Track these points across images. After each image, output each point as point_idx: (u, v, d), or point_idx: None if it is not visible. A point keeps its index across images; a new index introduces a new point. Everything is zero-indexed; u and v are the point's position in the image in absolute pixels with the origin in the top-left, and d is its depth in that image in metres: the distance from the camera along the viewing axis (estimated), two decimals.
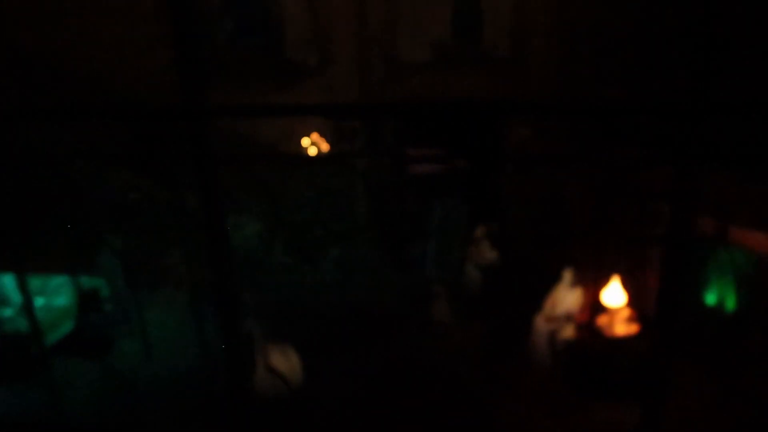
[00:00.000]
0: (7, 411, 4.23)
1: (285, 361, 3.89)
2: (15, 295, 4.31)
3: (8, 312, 4.18)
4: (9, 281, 4.71)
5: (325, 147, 5.02)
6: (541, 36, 5.08)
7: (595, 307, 4.08)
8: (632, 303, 3.94)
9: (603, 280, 4.04)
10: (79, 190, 4.96)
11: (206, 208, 1.95)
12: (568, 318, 4.07)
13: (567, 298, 4.13)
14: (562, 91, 5.16)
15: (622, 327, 3.85)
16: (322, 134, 5.13)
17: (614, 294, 3.90)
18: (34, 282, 4.59)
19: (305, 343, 4.36)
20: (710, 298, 4.04)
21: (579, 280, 4.17)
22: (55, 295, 4.44)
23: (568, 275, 4.15)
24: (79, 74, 5.61)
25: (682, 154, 2.21)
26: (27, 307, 3.64)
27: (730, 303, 3.92)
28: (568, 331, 4.00)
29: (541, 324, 4.10)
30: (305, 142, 5.09)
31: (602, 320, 3.92)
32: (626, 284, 3.92)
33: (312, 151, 5.09)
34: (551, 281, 4.30)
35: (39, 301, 4.34)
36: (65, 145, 5.23)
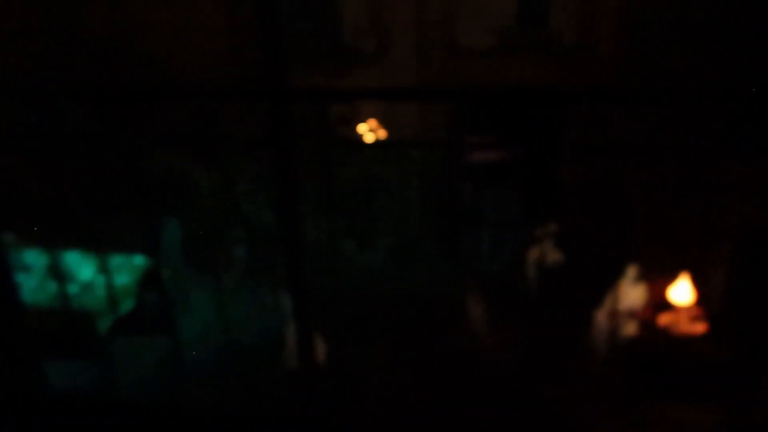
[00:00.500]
0: (70, 386, 4.36)
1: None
2: (79, 273, 4.42)
3: (73, 289, 4.28)
4: (73, 259, 4.84)
5: (382, 134, 4.97)
6: (610, 22, 4.89)
7: (659, 305, 3.93)
8: (700, 301, 3.78)
9: (669, 277, 3.89)
10: (142, 170, 5.04)
11: (281, 193, 1.92)
12: (631, 315, 3.94)
13: (630, 294, 3.99)
14: (629, 79, 4.97)
15: (689, 326, 3.69)
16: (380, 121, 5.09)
17: (682, 291, 3.74)
18: (96, 261, 4.70)
19: (361, 330, 4.34)
20: None
21: (643, 276, 4.02)
22: (116, 273, 4.53)
23: (632, 270, 4.00)
24: (141, 56, 5.72)
25: (757, 146, 2.07)
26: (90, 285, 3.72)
27: None
28: (631, 329, 3.87)
29: (602, 320, 3.98)
30: (362, 128, 5.05)
31: (668, 318, 3.78)
32: (695, 282, 3.77)
33: (369, 138, 5.06)
34: (614, 276, 4.17)
35: (101, 280, 4.45)
36: (135, 127, 5.32)
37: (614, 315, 4.00)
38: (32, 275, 4.48)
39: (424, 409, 3.81)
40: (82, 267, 4.47)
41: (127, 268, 4.64)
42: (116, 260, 4.76)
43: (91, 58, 5.79)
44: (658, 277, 4.02)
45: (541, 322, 4.47)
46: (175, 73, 5.68)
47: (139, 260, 4.71)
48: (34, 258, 4.72)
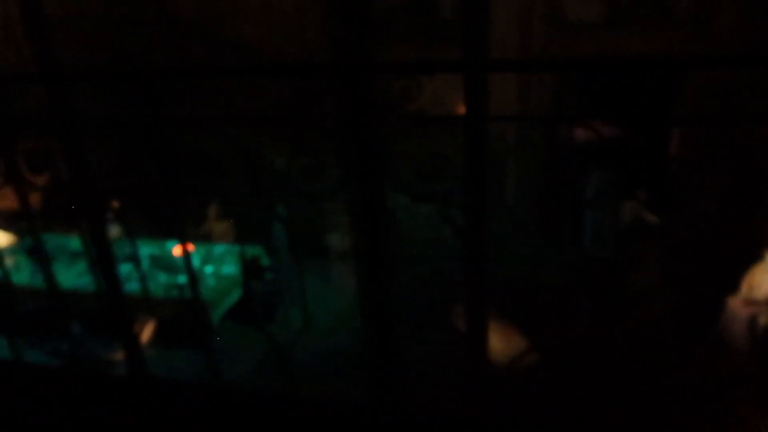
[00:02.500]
0: (178, 374, 4.43)
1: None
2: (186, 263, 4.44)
3: (182, 279, 4.32)
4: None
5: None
6: None
7: None
8: None
9: None
10: (246, 158, 5.03)
11: (364, 176, 1.79)
12: None
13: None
14: (747, 48, 4.58)
15: None
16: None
17: None
18: (200, 250, 4.73)
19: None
20: None
21: None
22: (222, 263, 4.55)
23: None
24: (231, 38, 5.66)
25: None
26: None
27: None
28: None
29: (737, 308, 3.73)
30: (461, 109, 4.84)
31: None
32: None
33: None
34: (748, 261, 3.89)
35: (209, 269, 4.47)
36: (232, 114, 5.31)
37: (750, 302, 3.75)
38: (140, 265, 4.55)
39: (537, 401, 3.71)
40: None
41: (233, 258, 4.65)
42: (219, 249, 4.78)
43: (180, 41, 5.77)
44: None
45: (661, 310, 4.26)
46: (266, 55, 5.61)
47: (240, 249, 4.72)
48: (141, 248, 4.80)
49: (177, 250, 4.52)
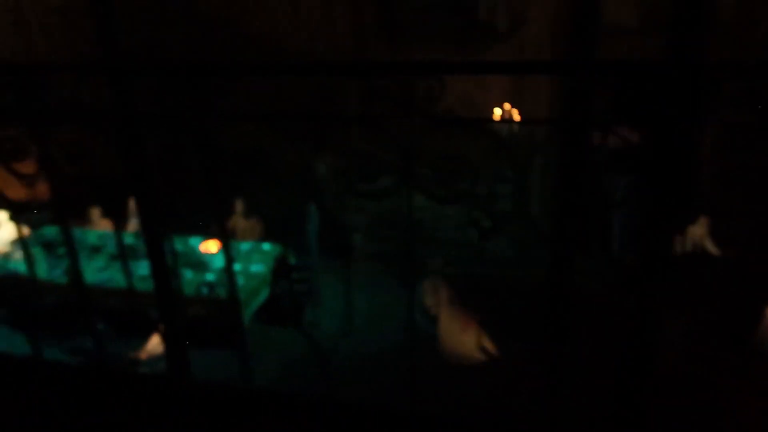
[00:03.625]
0: (207, 374, 4.30)
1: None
2: (215, 261, 4.31)
3: (209, 277, 4.18)
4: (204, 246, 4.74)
5: (517, 118, 4.69)
6: None
7: None
8: None
9: None
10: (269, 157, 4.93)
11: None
12: None
13: None
14: None
15: None
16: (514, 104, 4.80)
17: None
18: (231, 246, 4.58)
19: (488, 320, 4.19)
20: None
21: None
22: (249, 261, 4.42)
23: None
24: (257, 35, 5.54)
25: None
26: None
27: None
28: None
29: None
30: (497, 112, 4.78)
31: None
32: None
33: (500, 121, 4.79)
34: None
35: (236, 267, 4.34)
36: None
37: None
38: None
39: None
40: (215, 255, 4.37)
41: (260, 256, 4.52)
42: (244, 246, 4.65)
43: (206, 37, 5.64)
44: None
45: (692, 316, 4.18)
46: (292, 52, 5.50)
47: (268, 247, 4.59)
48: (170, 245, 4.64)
49: (206, 247, 4.38)
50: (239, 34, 5.56)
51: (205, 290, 3.96)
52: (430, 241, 5.26)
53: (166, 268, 2.53)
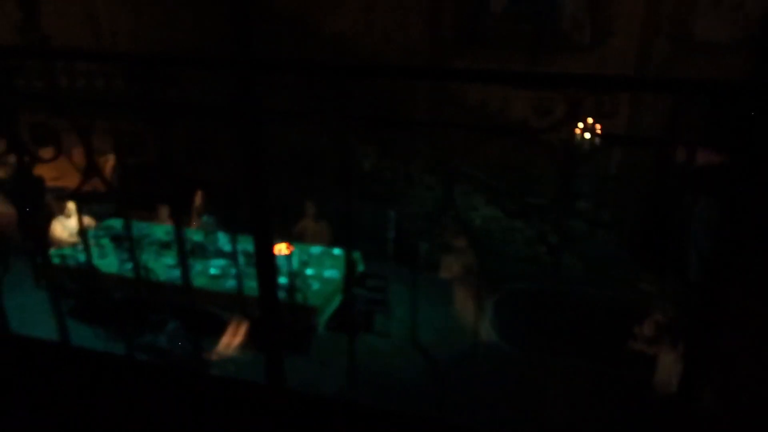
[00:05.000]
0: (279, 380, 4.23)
1: None
2: (286, 264, 4.24)
3: (282, 280, 4.11)
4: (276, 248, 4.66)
5: (598, 134, 4.54)
6: None
7: None
8: None
9: None
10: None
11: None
12: None
13: None
14: None
15: None
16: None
17: None
18: (295, 250, 4.50)
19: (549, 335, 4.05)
20: None
21: None
22: (322, 265, 4.33)
23: None
24: (331, 35, 5.49)
25: None
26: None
27: None
28: None
29: None
30: (579, 126, 4.63)
31: None
32: None
33: (585, 138, 4.64)
34: None
35: (309, 271, 4.27)
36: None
37: None
38: (234, 262, 4.35)
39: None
40: (286, 257, 4.29)
41: (332, 261, 4.44)
42: (315, 250, 4.57)
43: (281, 37, 5.61)
44: None
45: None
46: (364, 54, 5.44)
47: (339, 252, 4.50)
48: (239, 245, 4.59)
49: (277, 249, 4.30)
50: (312, 33, 5.52)
51: (282, 294, 3.88)
52: (498, 255, 5.13)
53: (274, 276, 2.45)
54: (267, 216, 2.43)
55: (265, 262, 2.55)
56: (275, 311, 2.72)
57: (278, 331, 2.76)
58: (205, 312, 4.01)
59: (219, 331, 4.08)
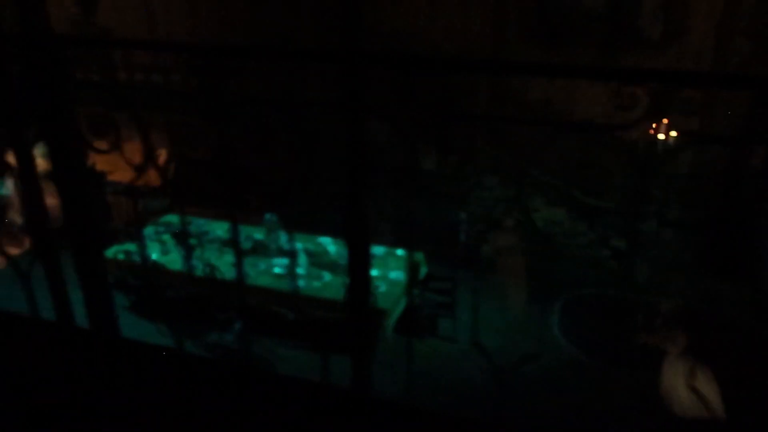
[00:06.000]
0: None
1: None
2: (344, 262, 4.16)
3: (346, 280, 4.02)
4: (333, 247, 4.60)
5: (673, 133, 4.38)
6: None
7: None
8: None
9: None
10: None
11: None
12: None
13: None
14: None
15: None
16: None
17: None
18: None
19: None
20: None
21: None
22: (386, 266, 4.25)
23: None
24: (387, 30, 5.40)
25: None
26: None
27: None
28: None
29: None
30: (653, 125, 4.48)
31: None
32: None
33: (660, 137, 4.48)
34: None
35: (374, 272, 4.18)
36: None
37: None
38: (298, 261, 4.29)
39: None
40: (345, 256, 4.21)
41: (396, 262, 4.36)
42: (378, 250, 4.49)
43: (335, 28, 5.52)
44: None
45: None
46: (426, 48, 5.34)
47: (403, 253, 4.41)
48: (299, 243, 4.55)
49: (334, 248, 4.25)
50: (370, 30, 5.41)
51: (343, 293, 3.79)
52: (560, 258, 4.99)
53: (368, 280, 2.36)
54: (365, 219, 2.34)
55: (360, 266, 2.46)
56: (366, 315, 2.62)
57: (366, 336, 2.67)
58: (271, 312, 3.95)
59: (285, 331, 4.02)
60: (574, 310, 4.55)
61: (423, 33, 5.44)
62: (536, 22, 4.94)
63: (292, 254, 4.32)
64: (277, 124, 5.37)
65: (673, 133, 4.27)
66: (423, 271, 4.37)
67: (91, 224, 3.49)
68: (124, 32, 6.27)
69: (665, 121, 4.26)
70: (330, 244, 4.59)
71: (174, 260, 4.46)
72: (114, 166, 5.93)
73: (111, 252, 4.51)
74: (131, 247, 4.62)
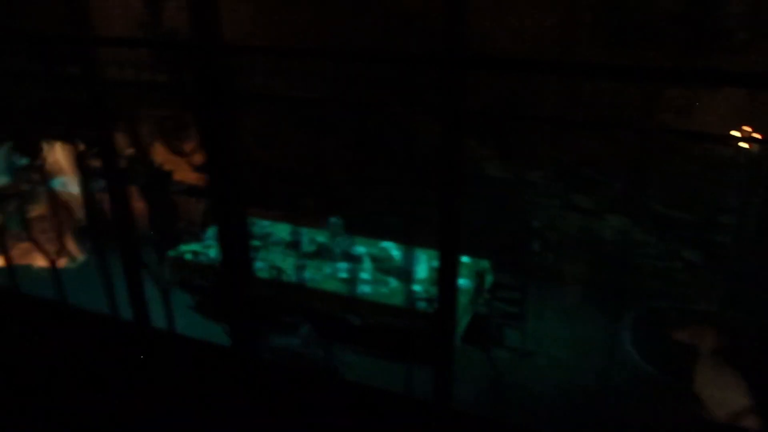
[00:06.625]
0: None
1: None
2: (421, 270, 4.09)
3: (417, 288, 3.96)
4: (397, 252, 4.53)
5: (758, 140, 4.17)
6: None
7: None
8: None
9: None
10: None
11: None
12: None
13: None
14: None
15: None
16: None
17: None
18: (422, 255, 4.34)
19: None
20: None
21: None
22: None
23: None
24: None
25: None
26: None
27: None
28: None
29: None
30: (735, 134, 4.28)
31: None
32: None
33: (744, 146, 4.29)
34: None
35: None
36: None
37: None
38: (363, 266, 4.24)
39: None
40: (423, 264, 4.15)
41: (462, 270, 4.26)
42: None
43: (408, 35, 5.49)
44: None
45: None
46: (493, 49, 5.23)
47: (468, 261, 4.31)
48: (362, 248, 4.50)
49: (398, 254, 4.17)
50: (438, 31, 5.34)
51: (423, 305, 3.73)
52: (628, 269, 4.81)
53: (455, 292, 2.29)
54: (458, 230, 2.26)
55: (449, 277, 2.38)
56: (453, 327, 2.54)
57: (450, 348, 2.58)
58: (337, 317, 3.91)
59: (352, 336, 3.97)
60: (647, 324, 4.37)
61: (490, 35, 5.33)
62: (609, 24, 4.78)
63: (355, 258, 4.26)
64: (343, 126, 5.34)
65: (758, 140, 4.06)
66: (489, 279, 4.27)
67: (164, 224, 3.49)
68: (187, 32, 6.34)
69: (748, 128, 4.07)
70: (393, 249, 4.53)
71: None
72: (174, 165, 6.01)
73: (178, 252, 4.55)
74: (196, 247, 4.66)
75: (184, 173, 6.02)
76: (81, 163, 2.85)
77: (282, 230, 4.89)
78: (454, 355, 2.41)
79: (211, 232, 4.90)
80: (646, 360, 4.07)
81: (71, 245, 5.10)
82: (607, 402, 3.63)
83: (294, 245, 4.57)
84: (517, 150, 5.42)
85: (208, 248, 4.54)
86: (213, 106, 1.95)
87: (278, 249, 4.61)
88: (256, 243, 4.59)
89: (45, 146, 5.56)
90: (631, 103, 4.94)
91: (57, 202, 4.25)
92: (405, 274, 4.05)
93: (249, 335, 2.89)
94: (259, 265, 4.26)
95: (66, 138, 5.94)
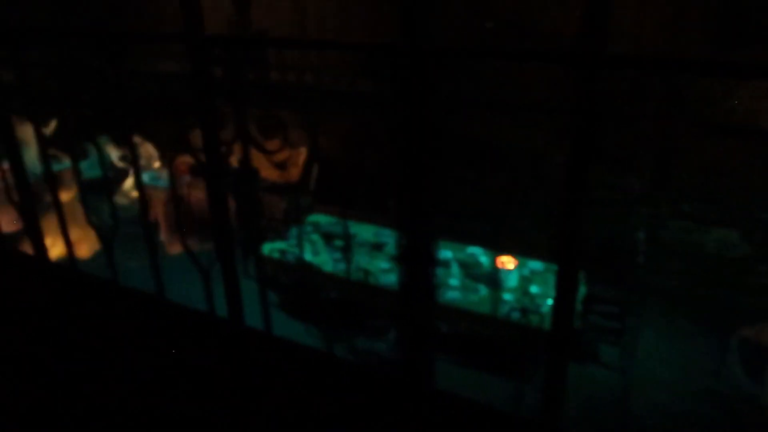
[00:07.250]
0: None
1: None
2: (511, 279, 3.94)
3: (507, 296, 3.82)
4: (485, 258, 4.40)
5: None
6: None
7: None
8: None
9: None
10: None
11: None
12: None
13: None
14: None
15: None
16: None
17: None
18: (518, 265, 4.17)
19: None
20: None
21: None
22: (547, 284, 3.99)
23: None
24: (547, 33, 5.12)
25: None
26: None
27: None
28: None
29: None
30: None
31: None
32: None
33: None
34: None
35: (534, 289, 3.94)
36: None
37: None
38: (450, 272, 4.12)
39: None
40: (509, 272, 3.99)
41: (550, 278, 4.09)
42: (534, 265, 4.23)
43: (497, 37, 5.34)
44: None
45: None
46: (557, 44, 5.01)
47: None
48: (449, 252, 4.38)
49: (500, 261, 4.02)
50: (529, 32, 5.18)
51: (516, 315, 3.58)
52: (734, 285, 4.49)
53: (573, 307, 2.15)
54: (578, 245, 2.11)
55: (568, 292, 2.23)
56: (568, 345, 2.38)
57: (566, 369, 2.42)
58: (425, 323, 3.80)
59: (444, 345, 3.86)
60: (756, 345, 4.06)
61: (561, 30, 5.10)
62: (720, 21, 4.47)
63: (443, 263, 4.14)
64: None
65: None
66: (582, 291, 4.06)
67: (254, 222, 3.50)
68: (278, 32, 6.38)
69: None
70: (481, 255, 4.38)
71: (325, 261, 4.42)
72: (259, 163, 6.05)
73: (266, 249, 4.56)
74: (282, 245, 4.65)
75: (267, 171, 6.07)
76: (171, 161, 2.90)
77: (365, 231, 4.83)
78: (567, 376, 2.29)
79: (294, 231, 4.89)
80: (754, 382, 3.78)
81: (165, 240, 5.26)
82: (709, 425, 3.39)
83: (378, 247, 4.49)
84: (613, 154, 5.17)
85: (293, 247, 4.53)
86: (421, 114, 1.89)
87: (363, 251, 4.54)
88: (339, 243, 4.55)
89: (138, 141, 5.72)
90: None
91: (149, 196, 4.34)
92: (495, 281, 3.91)
93: (331, 335, 2.83)
94: (342, 266, 4.22)
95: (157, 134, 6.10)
